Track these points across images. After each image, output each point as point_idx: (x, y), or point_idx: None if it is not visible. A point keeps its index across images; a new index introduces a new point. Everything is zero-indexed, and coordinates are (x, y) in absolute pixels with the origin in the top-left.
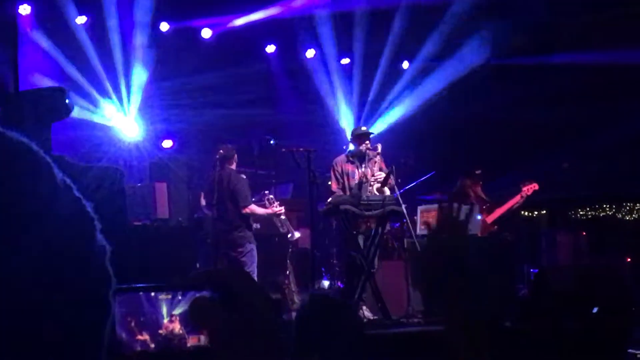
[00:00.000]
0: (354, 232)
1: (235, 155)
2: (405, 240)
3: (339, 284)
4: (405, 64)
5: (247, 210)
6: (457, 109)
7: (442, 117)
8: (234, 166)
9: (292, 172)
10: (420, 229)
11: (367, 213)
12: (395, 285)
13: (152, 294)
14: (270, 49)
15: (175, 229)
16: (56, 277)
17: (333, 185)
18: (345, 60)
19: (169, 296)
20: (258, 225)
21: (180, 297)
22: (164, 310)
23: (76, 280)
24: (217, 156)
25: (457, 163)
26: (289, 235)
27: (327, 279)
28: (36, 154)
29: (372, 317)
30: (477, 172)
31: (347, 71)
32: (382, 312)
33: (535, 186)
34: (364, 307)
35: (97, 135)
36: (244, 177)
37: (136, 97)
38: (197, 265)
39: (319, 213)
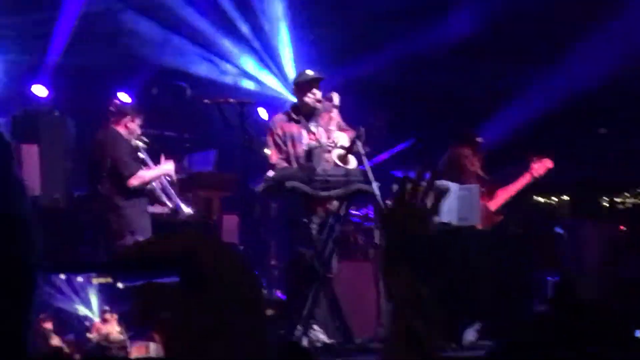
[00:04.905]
0: (304, 220)
1: (132, 116)
2: (375, 233)
3: (278, 293)
4: None
5: (133, 182)
6: None
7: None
8: (123, 127)
9: (217, 135)
10: None
11: (323, 193)
12: (361, 295)
13: (79, 278)
14: None
15: (50, 211)
16: None
17: (272, 155)
18: None
19: (108, 280)
20: (191, 211)
21: (121, 284)
22: (95, 303)
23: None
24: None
25: (446, 126)
26: (178, 212)
27: (263, 287)
28: None
29: (327, 341)
30: (478, 139)
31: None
32: (342, 334)
33: (548, 163)
34: (316, 327)
35: None
36: (126, 139)
37: None
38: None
39: (254, 193)
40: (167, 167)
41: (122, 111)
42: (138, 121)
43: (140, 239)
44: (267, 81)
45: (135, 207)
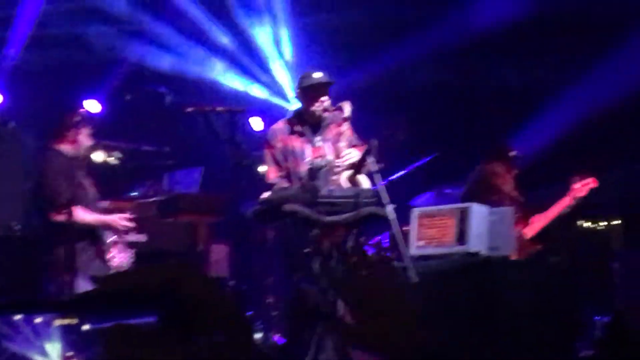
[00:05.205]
0: (307, 251)
1: (79, 127)
2: (391, 266)
3: (276, 337)
4: None
5: (57, 216)
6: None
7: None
8: (69, 144)
9: (202, 149)
10: (417, 246)
11: (329, 218)
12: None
13: (39, 319)
14: None
15: (5, 242)
16: None
17: (269, 173)
18: None
19: (73, 322)
20: (142, 237)
21: (88, 325)
22: (57, 348)
23: None
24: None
25: (475, 139)
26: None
27: (259, 329)
28: None
29: None
30: (512, 153)
31: None
32: None
33: (592, 183)
34: None
35: None
36: (73, 157)
37: None
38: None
39: (247, 218)
40: (110, 220)
41: (65, 124)
42: (86, 131)
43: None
44: (263, 86)
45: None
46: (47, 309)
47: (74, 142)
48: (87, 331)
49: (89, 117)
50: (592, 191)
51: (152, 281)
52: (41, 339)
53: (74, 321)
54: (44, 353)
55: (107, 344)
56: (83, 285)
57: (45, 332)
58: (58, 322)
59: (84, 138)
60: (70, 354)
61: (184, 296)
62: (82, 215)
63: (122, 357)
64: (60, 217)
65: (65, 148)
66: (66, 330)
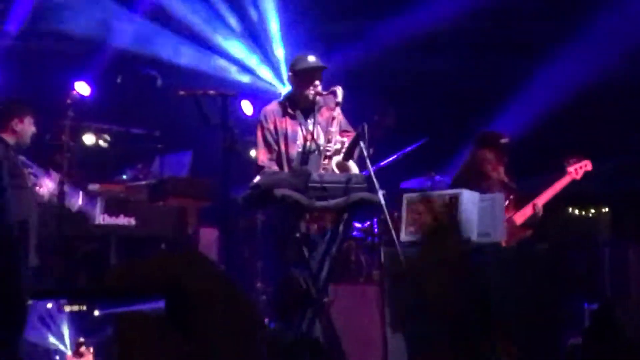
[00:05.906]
0: (297, 235)
1: (20, 115)
2: (381, 251)
3: (267, 321)
4: None
5: None
6: None
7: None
8: (9, 134)
9: (193, 133)
10: (408, 232)
11: (319, 203)
12: (363, 324)
13: (49, 305)
14: None
15: None
16: None
17: (260, 155)
18: None
19: (82, 308)
20: (131, 221)
21: (98, 311)
22: (67, 334)
23: None
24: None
25: (466, 125)
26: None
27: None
28: None
29: None
30: (503, 140)
31: None
32: None
33: (587, 165)
34: None
35: None
36: (14, 148)
37: None
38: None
39: (237, 202)
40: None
41: (7, 113)
42: (29, 120)
43: None
44: (253, 68)
45: None
46: (58, 295)
47: (15, 132)
48: (97, 317)
49: (26, 105)
50: (587, 174)
51: (155, 275)
52: (51, 325)
53: (84, 307)
54: (54, 338)
55: (117, 328)
56: None
57: (55, 318)
58: (68, 308)
59: (27, 127)
60: (81, 340)
61: (187, 289)
62: None
63: (132, 341)
64: None
65: (8, 138)
66: (76, 317)
